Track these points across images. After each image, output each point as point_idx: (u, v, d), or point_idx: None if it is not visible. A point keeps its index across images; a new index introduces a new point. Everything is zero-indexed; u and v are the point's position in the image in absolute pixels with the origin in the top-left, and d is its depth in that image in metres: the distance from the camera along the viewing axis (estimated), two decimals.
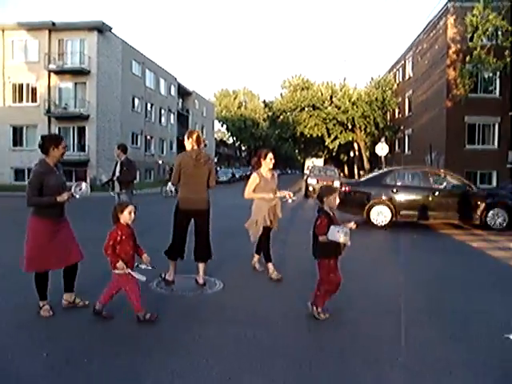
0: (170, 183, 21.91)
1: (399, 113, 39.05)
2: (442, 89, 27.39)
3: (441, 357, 3.81)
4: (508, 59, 22.18)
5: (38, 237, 4.44)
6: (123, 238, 4.33)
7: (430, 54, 30.24)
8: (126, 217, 4.38)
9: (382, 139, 27.66)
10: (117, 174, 9.11)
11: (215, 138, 70.71)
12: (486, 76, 26.36)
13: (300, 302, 4.92)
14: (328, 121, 40.45)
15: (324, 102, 40.70)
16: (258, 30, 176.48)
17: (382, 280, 6.44)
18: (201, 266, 5.77)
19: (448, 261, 8.07)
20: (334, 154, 49.23)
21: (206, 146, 10.18)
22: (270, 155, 6.37)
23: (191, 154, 5.66)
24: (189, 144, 5.74)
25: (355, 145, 44.38)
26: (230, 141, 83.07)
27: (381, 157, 26.06)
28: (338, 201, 4.64)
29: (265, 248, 6.38)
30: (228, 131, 78.88)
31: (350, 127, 40.82)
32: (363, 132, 40.76)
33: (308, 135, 42.07)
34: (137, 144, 38.29)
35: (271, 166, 6.40)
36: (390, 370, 3.54)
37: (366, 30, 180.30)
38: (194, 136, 5.71)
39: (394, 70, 41.00)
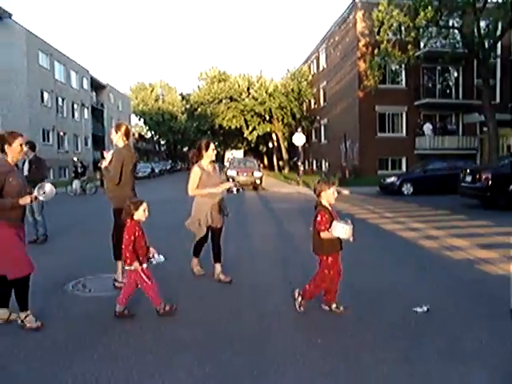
0: (76, 181, 21.10)
1: (315, 103, 40.27)
2: (353, 80, 28.60)
3: (353, 334, 4.08)
4: (411, 53, 23.57)
5: (6, 242, 4.05)
6: (139, 233, 4.44)
7: (341, 46, 31.43)
8: (141, 214, 4.47)
9: (299, 129, 28.39)
10: (25, 172, 8.63)
11: (133, 133, 68.80)
12: (394, 68, 27.90)
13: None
14: (246, 112, 40.82)
15: (241, 94, 41.00)
16: (172, 21, 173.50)
17: (299, 266, 6.65)
18: (119, 264, 5.51)
19: (362, 244, 8.51)
20: (253, 145, 49.84)
21: (137, 140, 9.97)
22: (212, 146, 5.82)
23: (129, 149, 5.48)
24: (117, 138, 5.45)
25: (273, 135, 45.18)
26: (149, 135, 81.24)
27: (298, 147, 26.77)
28: (336, 195, 4.49)
29: (215, 247, 5.84)
30: (146, 125, 76.99)
31: (267, 118, 41.47)
32: (281, 123, 41.59)
33: (226, 127, 42.22)
34: (49, 141, 36.23)
35: (214, 158, 5.87)
36: (306, 350, 3.78)
37: (282, 22, 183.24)
38: (123, 129, 5.47)
39: (309, 61, 42.14)
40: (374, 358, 3.56)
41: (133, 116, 70.63)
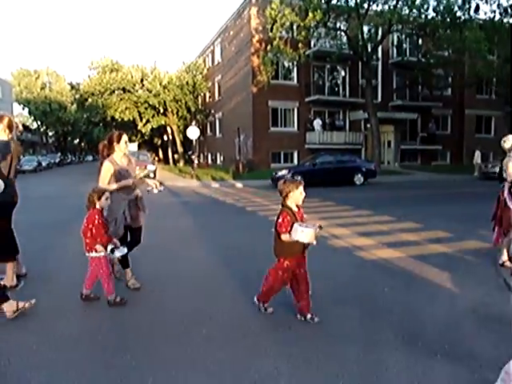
0: None
1: (210, 97, 40.31)
2: (247, 75, 29.06)
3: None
4: (302, 51, 24.54)
5: None
6: (100, 221, 4.54)
7: (236, 41, 31.76)
8: (103, 203, 4.64)
9: (193, 123, 28.28)
10: None
11: (16, 125, 63.67)
12: (286, 65, 28.82)
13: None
14: (139, 104, 39.69)
15: (135, 85, 39.78)
16: (59, 5, 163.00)
17: (187, 260, 6.68)
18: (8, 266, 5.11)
19: (249, 235, 8.76)
20: (147, 138, 48.64)
21: (21, 133, 9.22)
22: (125, 138, 5.28)
23: (15, 142, 5.08)
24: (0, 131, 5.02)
25: (168, 129, 44.50)
26: (34, 126, 75.83)
27: (192, 140, 26.67)
28: (304, 195, 4.18)
29: (130, 248, 5.24)
30: (31, 115, 71.78)
31: (162, 111, 40.69)
32: (175, 116, 41.05)
33: (119, 119, 40.71)
34: None
35: (127, 151, 5.33)
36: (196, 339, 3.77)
37: (178, 13, 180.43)
38: (5, 121, 5.02)
39: (204, 55, 42.03)
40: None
41: (15, 105, 65.45)
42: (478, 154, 25.74)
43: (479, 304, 4.62)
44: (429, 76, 28.90)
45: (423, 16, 23.92)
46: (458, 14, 23.30)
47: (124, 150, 5.25)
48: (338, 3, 24.23)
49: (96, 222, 4.52)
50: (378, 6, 24.13)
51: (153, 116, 40.85)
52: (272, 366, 3.38)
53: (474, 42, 22.54)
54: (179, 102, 39.75)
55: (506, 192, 5.88)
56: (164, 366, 3.38)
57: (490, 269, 5.91)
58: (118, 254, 4.61)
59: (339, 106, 30.26)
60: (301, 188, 4.11)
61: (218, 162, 36.85)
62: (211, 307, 4.59)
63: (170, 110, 40.28)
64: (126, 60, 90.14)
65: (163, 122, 41.78)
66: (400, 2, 23.17)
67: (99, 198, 4.59)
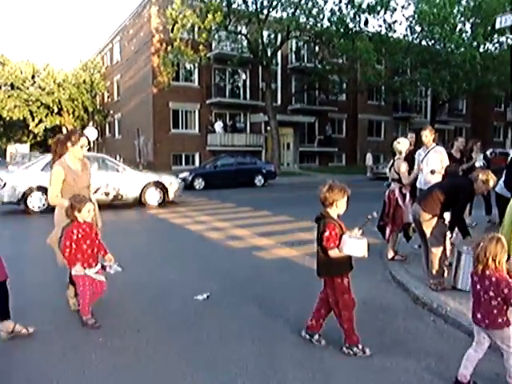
0: None
1: (109, 97, 38.84)
2: (148, 75, 28.45)
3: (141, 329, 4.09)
4: (203, 53, 24.53)
5: None
6: (79, 236, 4.00)
7: (136, 40, 30.95)
8: (85, 215, 4.04)
9: (90, 123, 27.14)
10: None
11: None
12: (188, 66, 28.64)
13: None
14: (31, 103, 37.21)
15: (25, 82, 37.25)
16: None
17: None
18: None
19: (149, 238, 8.61)
20: (40, 139, 45.73)
21: None
22: (84, 141, 4.45)
23: None
24: None
25: (64, 129, 42.17)
26: None
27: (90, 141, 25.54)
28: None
29: None
30: None
31: (56, 110, 38.47)
32: (71, 116, 39.02)
33: (8, 118, 37.83)
34: None
35: (81, 156, 4.54)
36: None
37: (74, 8, 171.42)
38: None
39: (103, 53, 40.40)
40: (157, 343, 3.64)
41: None
42: (369, 156, 27.53)
43: (368, 296, 4.92)
44: (325, 82, 30.33)
45: (319, 25, 25.09)
46: (351, 25, 24.79)
47: (80, 153, 4.48)
48: (239, 7, 24.61)
49: (75, 236, 3.98)
50: (277, 12, 24.88)
51: (46, 115, 38.47)
52: (173, 370, 3.35)
53: (365, 52, 24.09)
54: (75, 102, 37.86)
55: (397, 192, 6.29)
56: None
57: (379, 263, 6.33)
58: (111, 271, 4.21)
59: (240, 108, 30.68)
60: (346, 196, 3.61)
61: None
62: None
63: (65, 109, 38.19)
64: (15, 55, 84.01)
65: (58, 122, 39.49)
66: (298, 10, 24.08)
67: (79, 210, 3.99)
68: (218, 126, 28.63)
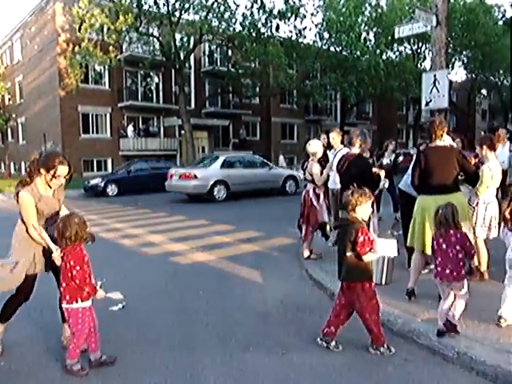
0: None
1: (10, 99, 36.31)
2: (54, 77, 26.99)
3: None
4: (113, 55, 23.70)
5: None
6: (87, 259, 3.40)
7: (39, 38, 29.22)
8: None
9: None
10: None
11: None
12: (98, 68, 27.57)
13: None
14: None
15: None
16: None
17: None
18: None
19: None
20: None
21: None
22: (62, 169, 3.58)
23: None
24: None
25: None
26: None
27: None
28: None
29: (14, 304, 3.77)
30: None
31: None
32: None
33: None
34: None
35: (56, 187, 3.69)
36: None
37: None
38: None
39: (1, 51, 37.74)
40: None
41: None
42: (281, 158, 28.16)
43: (286, 295, 5.00)
44: (238, 85, 30.56)
45: (232, 29, 25.25)
46: (262, 30, 25.18)
47: (56, 184, 3.64)
48: (150, 9, 24.09)
49: (86, 259, 3.43)
50: (189, 15, 24.68)
51: None
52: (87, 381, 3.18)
53: (276, 57, 24.62)
54: None
55: (311, 192, 6.46)
56: None
57: (295, 262, 6.46)
58: (118, 306, 3.91)
59: (153, 112, 30.07)
60: (370, 201, 3.66)
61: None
62: None
63: None
64: None
65: None
66: (210, 14, 24.04)
67: (85, 229, 3.46)
68: (131, 130, 27.84)
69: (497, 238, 4.86)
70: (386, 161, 9.29)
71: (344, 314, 3.73)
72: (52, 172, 3.52)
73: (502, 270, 4.00)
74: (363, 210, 3.59)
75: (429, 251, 4.38)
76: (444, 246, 3.65)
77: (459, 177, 4.67)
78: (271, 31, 25.45)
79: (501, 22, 26.18)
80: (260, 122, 35.66)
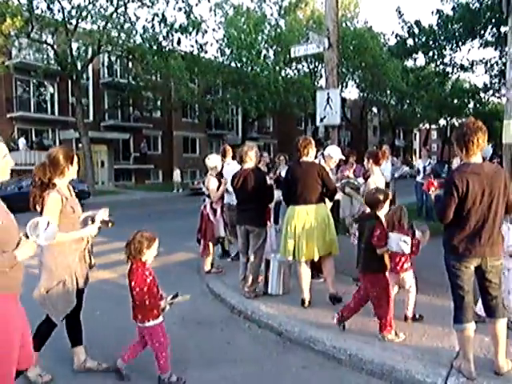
0: None
1: None
2: None
3: None
4: (0, 60, 22.13)
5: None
6: (152, 277, 3.37)
7: None
8: (154, 253, 3.42)
9: None
10: None
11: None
12: None
13: None
14: None
15: None
16: None
17: None
18: None
19: None
20: None
21: None
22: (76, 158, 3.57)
23: None
24: None
25: None
26: None
27: None
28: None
29: (77, 327, 3.71)
30: None
31: None
32: None
33: None
34: None
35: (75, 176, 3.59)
36: None
37: None
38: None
39: None
40: None
41: None
42: (177, 172, 27.90)
43: (187, 311, 4.96)
44: (139, 98, 30.03)
45: (132, 41, 24.77)
46: (164, 43, 24.98)
47: (72, 174, 3.54)
48: (43, 14, 22.81)
49: (149, 280, 3.33)
50: (87, 24, 23.80)
51: None
52: None
53: (178, 71, 24.60)
54: None
55: (208, 207, 6.50)
56: None
57: (196, 277, 6.45)
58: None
59: (48, 124, 28.46)
60: (389, 200, 4.12)
61: None
62: None
63: None
64: None
65: None
66: (109, 24, 23.40)
67: (149, 246, 3.33)
68: (22, 142, 26.02)
69: None
70: (281, 172, 9.56)
71: (360, 303, 4.12)
72: (74, 163, 3.52)
73: None
74: (385, 207, 4.06)
75: (290, 257, 4.87)
76: None
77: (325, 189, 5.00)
78: (173, 45, 25.35)
79: (385, 49, 28.49)
80: (162, 135, 35.19)
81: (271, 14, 34.81)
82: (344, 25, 35.21)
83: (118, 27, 23.62)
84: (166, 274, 6.68)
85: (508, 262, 3.91)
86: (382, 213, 4.07)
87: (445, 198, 3.16)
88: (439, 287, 3.97)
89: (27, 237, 2.48)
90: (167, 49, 25.19)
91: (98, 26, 23.45)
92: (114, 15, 23.46)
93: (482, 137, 3.07)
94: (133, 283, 3.34)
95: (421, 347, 3.75)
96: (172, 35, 24.99)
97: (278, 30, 32.73)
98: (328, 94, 8.38)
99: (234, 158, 6.83)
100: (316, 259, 4.86)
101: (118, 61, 30.97)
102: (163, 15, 24.25)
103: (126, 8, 23.91)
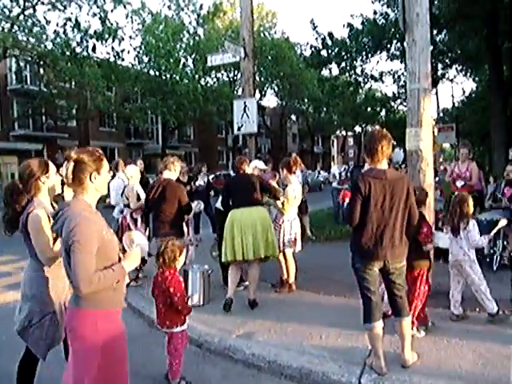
0: None
1: None
2: None
3: None
4: None
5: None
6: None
7: None
8: (182, 260, 3.64)
9: None
10: None
11: None
12: None
13: None
14: None
15: None
16: None
17: None
18: None
19: None
20: None
21: None
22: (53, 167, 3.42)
23: None
24: None
25: None
26: None
27: None
28: None
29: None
30: None
31: None
32: None
33: None
34: None
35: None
36: None
37: None
38: None
39: None
40: None
41: None
42: None
43: None
44: (52, 106, 28.59)
45: (43, 46, 23.53)
46: (78, 50, 23.97)
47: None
48: None
49: (182, 286, 3.59)
50: None
51: None
52: None
53: (93, 78, 23.73)
54: None
55: (128, 218, 6.39)
56: None
57: None
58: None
59: None
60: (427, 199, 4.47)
61: None
62: None
63: None
64: None
65: None
66: (16, 27, 22.10)
67: (181, 254, 3.57)
68: None
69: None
70: (199, 182, 9.54)
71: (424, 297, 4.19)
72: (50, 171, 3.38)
73: (307, 281, 4.42)
74: (426, 205, 4.39)
75: (239, 257, 4.98)
76: None
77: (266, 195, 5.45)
78: (87, 51, 24.44)
79: (302, 59, 29.36)
80: (78, 145, 33.75)
81: (190, 23, 34.77)
82: (262, 35, 35.93)
83: (26, 31, 22.36)
84: None
85: (473, 254, 4.34)
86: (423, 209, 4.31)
87: (350, 200, 3.34)
88: (354, 288, 4.13)
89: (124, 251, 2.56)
90: (82, 55, 24.22)
91: (3, 28, 22.04)
92: (21, 17, 22.20)
93: (386, 145, 3.27)
94: (171, 289, 3.45)
95: (337, 348, 3.88)
96: (87, 41, 24.12)
97: (197, 38, 32.69)
98: (245, 102, 8.47)
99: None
100: (263, 256, 5.11)
101: (28, 66, 29.31)
102: (76, 20, 23.34)
103: (34, 10, 22.79)
